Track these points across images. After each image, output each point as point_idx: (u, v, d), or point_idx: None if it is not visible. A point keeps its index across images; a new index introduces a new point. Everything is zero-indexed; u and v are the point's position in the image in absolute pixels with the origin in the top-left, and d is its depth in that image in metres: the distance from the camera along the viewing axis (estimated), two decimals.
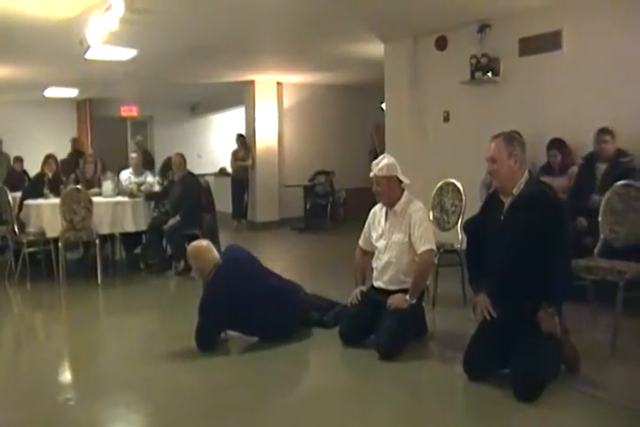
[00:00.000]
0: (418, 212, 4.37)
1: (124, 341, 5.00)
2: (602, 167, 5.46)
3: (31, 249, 7.01)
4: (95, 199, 7.18)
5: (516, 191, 3.57)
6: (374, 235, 4.56)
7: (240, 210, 11.81)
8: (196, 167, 9.51)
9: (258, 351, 4.41)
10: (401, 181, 4.41)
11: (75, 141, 11.56)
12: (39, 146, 11.19)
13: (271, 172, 11.95)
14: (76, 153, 10.72)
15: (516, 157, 3.56)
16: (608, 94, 5.81)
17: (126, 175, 8.17)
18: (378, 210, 4.60)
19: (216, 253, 4.54)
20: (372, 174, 4.43)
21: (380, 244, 4.48)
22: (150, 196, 7.75)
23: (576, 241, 4.63)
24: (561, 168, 5.91)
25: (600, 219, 4.67)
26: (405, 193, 4.44)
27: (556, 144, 5.94)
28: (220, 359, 4.27)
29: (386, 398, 3.63)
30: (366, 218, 4.71)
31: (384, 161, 4.39)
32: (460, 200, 5.57)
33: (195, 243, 4.68)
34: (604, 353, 4.09)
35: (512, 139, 3.64)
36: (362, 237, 4.69)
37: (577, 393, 3.48)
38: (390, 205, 4.44)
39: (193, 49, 8.41)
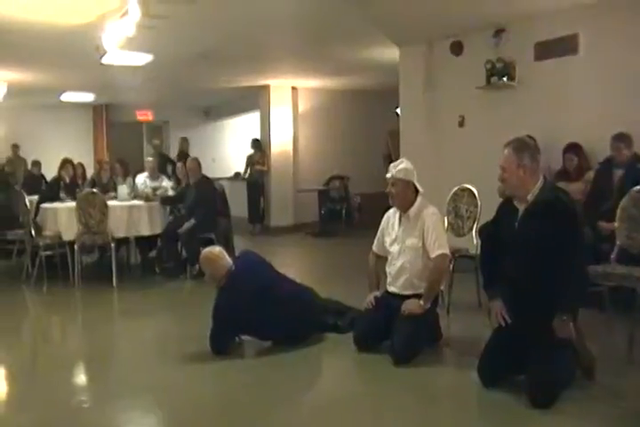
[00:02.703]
0: (431, 216, 4.35)
1: (139, 344, 5.02)
2: (619, 172, 5.43)
3: (47, 252, 7.06)
4: (111, 203, 7.23)
5: (530, 198, 3.55)
6: (388, 240, 4.54)
7: (256, 214, 11.83)
8: (210, 171, 9.53)
9: (272, 356, 4.41)
10: (416, 188, 4.40)
11: (183, 142, 11.69)
12: (55, 150, 11.30)
13: (286, 176, 11.97)
14: (183, 154, 10.96)
15: (524, 167, 3.53)
16: (625, 99, 5.77)
17: (142, 179, 8.22)
18: (392, 214, 4.59)
19: (228, 259, 4.54)
20: (389, 175, 4.41)
21: (394, 249, 4.46)
22: (165, 200, 7.79)
23: (593, 247, 4.59)
24: (577, 172, 5.87)
25: (616, 225, 4.64)
26: (419, 198, 4.41)
27: (573, 148, 5.91)
28: (234, 363, 4.28)
29: (400, 404, 3.62)
30: (380, 223, 4.70)
31: (403, 164, 4.39)
32: (476, 206, 5.55)
33: (207, 249, 4.66)
34: (620, 360, 4.05)
35: (522, 148, 3.59)
36: (375, 241, 4.67)
37: (593, 400, 3.45)
38: (404, 209, 4.42)
39: (208, 54, 8.46)
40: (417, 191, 4.41)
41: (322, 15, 6.67)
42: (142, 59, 8.31)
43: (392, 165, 4.46)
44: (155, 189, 7.95)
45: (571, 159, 5.90)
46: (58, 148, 11.99)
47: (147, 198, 7.67)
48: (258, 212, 11.84)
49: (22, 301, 6.67)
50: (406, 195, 4.40)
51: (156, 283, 7.29)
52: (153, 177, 8.24)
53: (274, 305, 4.40)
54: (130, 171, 8.67)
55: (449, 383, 3.94)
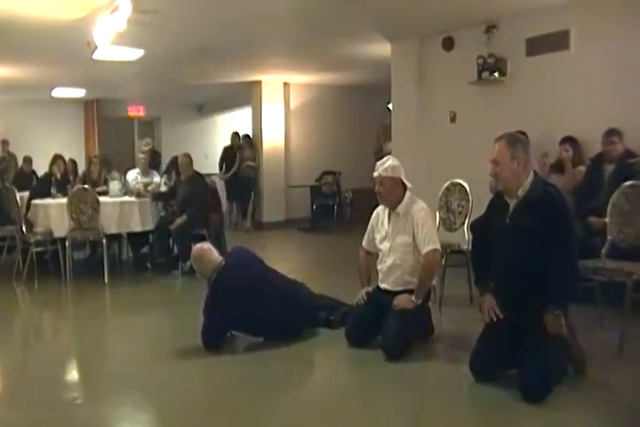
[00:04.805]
0: (420, 212, 4.34)
1: (131, 340, 5.01)
2: (610, 168, 5.45)
3: (39, 249, 7.04)
4: (102, 199, 7.20)
5: (521, 193, 3.55)
6: (378, 237, 4.53)
7: (245, 210, 11.82)
8: (202, 167, 9.50)
9: (264, 351, 4.41)
10: (404, 184, 4.39)
11: (234, 136, 11.76)
12: (46, 146, 11.25)
13: (278, 172, 11.96)
14: (232, 148, 11.33)
15: (518, 159, 3.53)
16: (616, 94, 5.79)
17: (133, 175, 8.20)
18: (381, 211, 4.57)
19: (217, 255, 4.54)
20: (376, 174, 4.40)
21: (384, 246, 4.45)
22: (157, 196, 7.77)
23: (583, 242, 4.60)
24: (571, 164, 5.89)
25: (607, 220, 4.65)
26: (407, 194, 4.40)
27: (569, 140, 5.92)
28: (226, 359, 4.28)
29: (391, 399, 3.63)
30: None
31: (389, 162, 4.38)
32: (467, 201, 5.56)
33: (196, 246, 4.67)
34: (610, 354, 4.07)
35: (515, 140, 3.61)
36: (365, 238, 4.67)
37: (583, 394, 3.47)
38: (392, 206, 4.42)
39: (200, 49, 8.42)
40: (405, 187, 4.40)
41: (314, 11, 6.65)
42: (133, 54, 8.28)
43: (378, 163, 4.44)
44: (146, 185, 7.94)
45: (566, 150, 5.90)
46: (49, 144, 11.91)
47: (138, 194, 7.66)
48: (246, 207, 11.83)
49: (13, 297, 6.63)
50: (394, 192, 4.38)
51: (148, 279, 7.28)
52: (144, 173, 8.22)
53: (265, 301, 4.40)
54: (114, 168, 8.62)
55: (440, 378, 3.95)
